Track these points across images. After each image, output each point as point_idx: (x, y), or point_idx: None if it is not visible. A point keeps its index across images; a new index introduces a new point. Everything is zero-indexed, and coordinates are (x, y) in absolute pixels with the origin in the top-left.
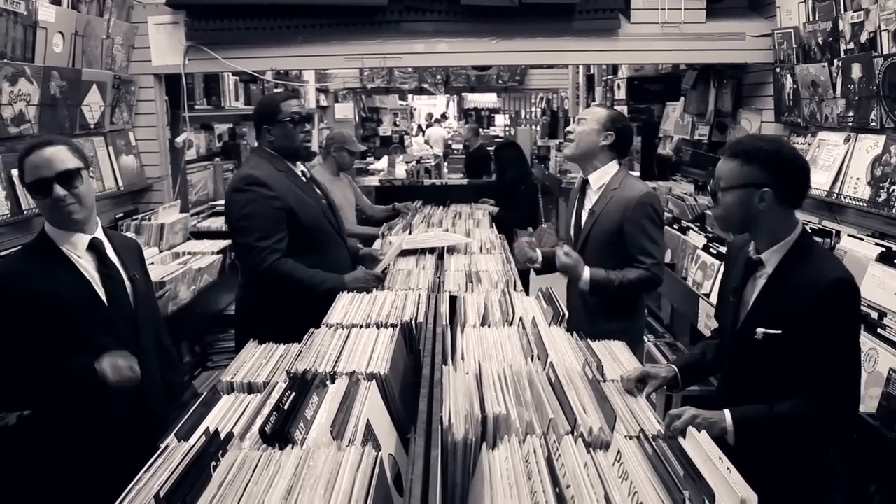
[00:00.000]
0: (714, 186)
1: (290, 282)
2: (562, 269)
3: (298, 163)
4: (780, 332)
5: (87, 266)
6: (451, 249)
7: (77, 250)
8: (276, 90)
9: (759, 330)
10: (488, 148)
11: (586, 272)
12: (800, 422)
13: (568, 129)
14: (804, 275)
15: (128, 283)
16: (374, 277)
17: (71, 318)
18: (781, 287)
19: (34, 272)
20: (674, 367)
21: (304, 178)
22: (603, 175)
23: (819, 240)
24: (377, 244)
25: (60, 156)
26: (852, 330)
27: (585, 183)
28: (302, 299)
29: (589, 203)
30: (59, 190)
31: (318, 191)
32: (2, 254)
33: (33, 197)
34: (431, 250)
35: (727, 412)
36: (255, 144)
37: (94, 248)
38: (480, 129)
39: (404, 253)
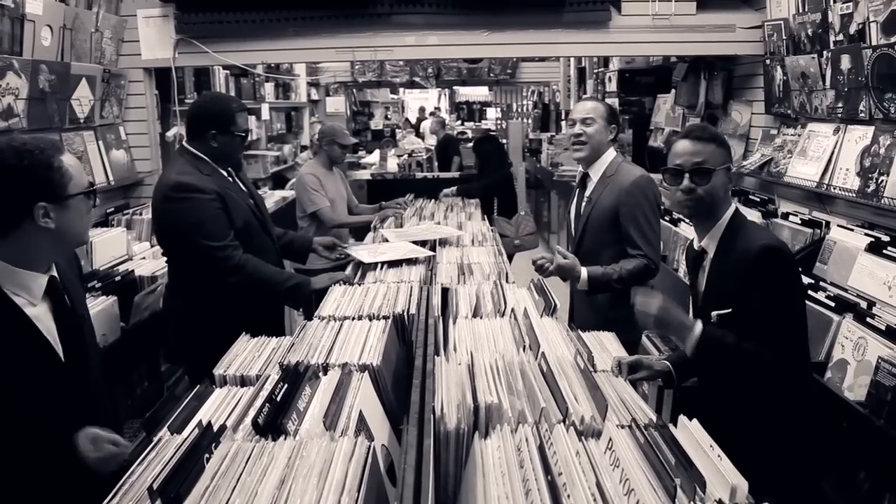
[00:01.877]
0: (690, 169)
1: (258, 279)
2: (559, 271)
3: None
4: (729, 310)
5: (43, 317)
6: (444, 242)
7: (32, 296)
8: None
9: (713, 313)
10: (455, 136)
11: (583, 272)
12: (758, 363)
13: (576, 131)
14: (737, 251)
15: (82, 324)
16: (341, 278)
17: (22, 387)
18: (722, 268)
19: None
20: (668, 363)
21: (230, 178)
22: (602, 164)
23: (808, 231)
24: (368, 237)
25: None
26: (788, 290)
27: (586, 176)
28: (227, 305)
29: (587, 192)
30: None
31: (243, 188)
32: None
33: (85, 204)
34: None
35: (699, 322)
36: (182, 144)
37: (53, 290)
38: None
39: (391, 264)
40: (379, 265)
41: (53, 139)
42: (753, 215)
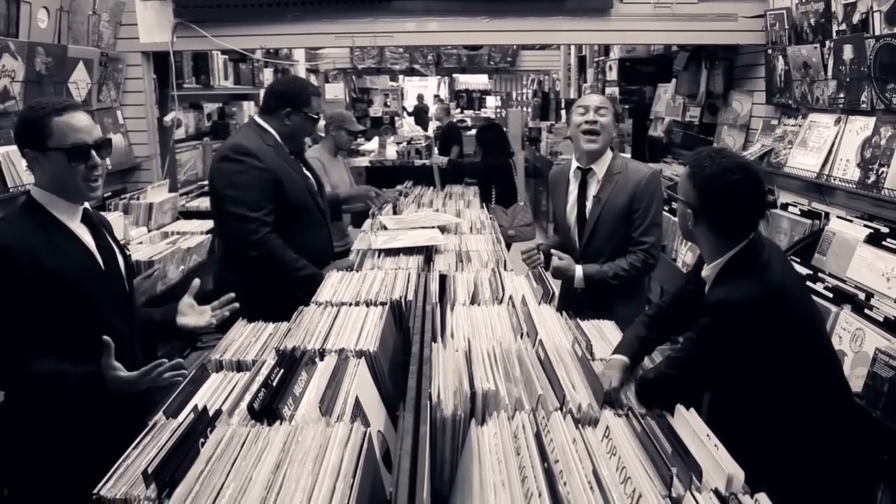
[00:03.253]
0: None
1: (275, 259)
2: (555, 273)
3: None
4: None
5: (83, 234)
6: (442, 229)
7: (73, 222)
8: (292, 73)
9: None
10: (457, 125)
11: (579, 270)
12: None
13: (590, 118)
14: (714, 292)
15: (119, 255)
16: (346, 265)
17: (78, 292)
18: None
19: (37, 243)
20: (624, 358)
21: (292, 156)
22: (604, 161)
23: (807, 221)
24: (367, 224)
25: (92, 122)
26: (709, 343)
27: (587, 172)
28: (280, 281)
29: (592, 191)
30: (96, 158)
31: (305, 170)
32: None
33: (69, 162)
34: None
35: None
36: (252, 117)
37: (88, 219)
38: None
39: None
40: (377, 252)
41: (71, 101)
42: None
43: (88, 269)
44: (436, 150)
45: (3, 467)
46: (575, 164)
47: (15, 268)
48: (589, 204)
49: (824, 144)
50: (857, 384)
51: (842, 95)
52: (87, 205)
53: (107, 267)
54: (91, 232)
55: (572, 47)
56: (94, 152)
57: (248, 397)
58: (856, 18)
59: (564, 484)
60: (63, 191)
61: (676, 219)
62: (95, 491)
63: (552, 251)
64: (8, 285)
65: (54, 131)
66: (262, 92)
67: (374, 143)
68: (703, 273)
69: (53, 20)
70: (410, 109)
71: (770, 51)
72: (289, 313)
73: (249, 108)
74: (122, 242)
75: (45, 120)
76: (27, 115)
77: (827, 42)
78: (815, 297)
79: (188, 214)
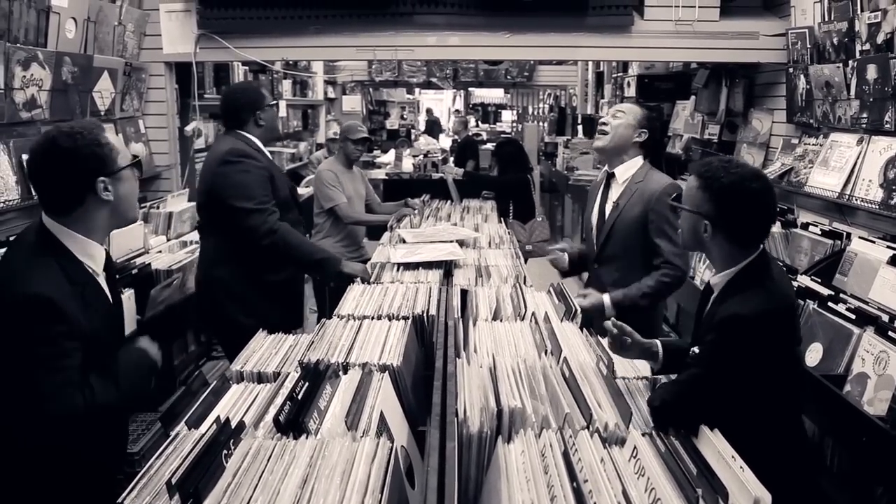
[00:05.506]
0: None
1: (289, 243)
2: (585, 311)
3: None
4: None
5: (104, 284)
6: (461, 243)
7: (96, 265)
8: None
9: (692, 349)
10: (474, 139)
11: (606, 299)
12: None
13: (602, 120)
14: (725, 305)
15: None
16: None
17: (100, 345)
18: (714, 313)
19: (72, 297)
20: (658, 342)
21: (269, 157)
22: (629, 168)
23: (829, 241)
24: (385, 237)
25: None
26: (724, 359)
27: (611, 176)
28: (268, 280)
29: (613, 196)
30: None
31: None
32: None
33: (134, 176)
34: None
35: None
36: (224, 132)
37: (108, 264)
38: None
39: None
40: (395, 265)
41: (93, 120)
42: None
43: (110, 322)
44: (451, 161)
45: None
46: (604, 168)
47: (63, 322)
48: (609, 208)
49: (846, 164)
50: (881, 407)
51: (864, 115)
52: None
53: (117, 311)
54: (105, 279)
55: (590, 63)
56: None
57: (272, 410)
58: (880, 38)
59: None
60: (122, 216)
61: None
62: (119, 501)
63: (576, 298)
64: (57, 335)
65: (115, 148)
66: (280, 103)
67: (390, 156)
68: (713, 280)
69: (81, 30)
70: (423, 127)
71: (791, 69)
72: (277, 314)
73: None
74: (140, 251)
75: (102, 138)
76: (80, 143)
77: (850, 61)
78: (836, 318)
79: None
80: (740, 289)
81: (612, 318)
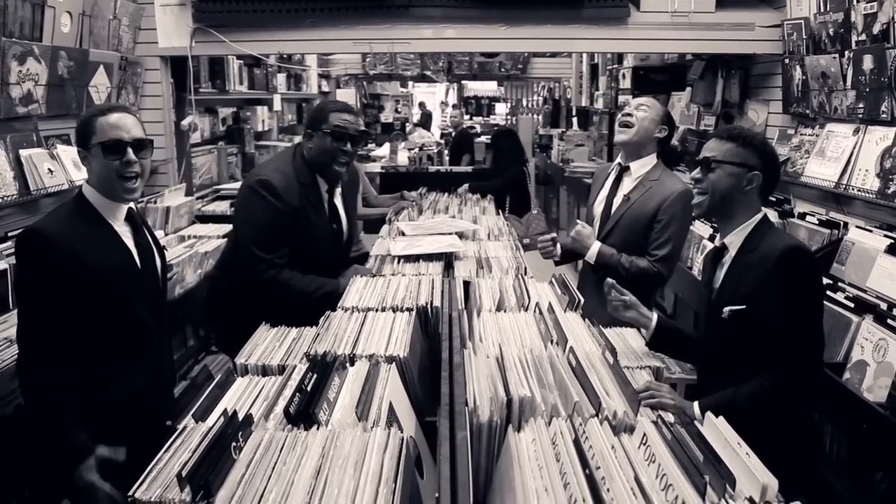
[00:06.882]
0: (699, 160)
1: (287, 294)
2: (573, 243)
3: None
4: (743, 307)
5: (127, 237)
6: (460, 235)
7: (117, 221)
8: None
9: (726, 309)
10: (469, 132)
11: (595, 245)
12: (764, 396)
13: (626, 112)
14: (760, 249)
15: (157, 256)
16: (365, 272)
17: (113, 287)
18: (742, 265)
19: (79, 236)
20: (655, 315)
21: (323, 199)
22: (644, 164)
23: (825, 231)
24: (384, 230)
25: (136, 123)
26: (807, 294)
27: (625, 170)
28: (271, 302)
29: (625, 189)
30: (132, 154)
31: (342, 213)
32: (10, 234)
33: (104, 157)
34: (436, 256)
35: (695, 403)
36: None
37: (131, 219)
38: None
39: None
40: (396, 258)
41: (116, 104)
42: (770, 215)
43: (125, 266)
44: (446, 159)
45: (24, 469)
46: (618, 160)
47: (53, 257)
48: (618, 201)
49: (843, 154)
50: (880, 394)
51: (861, 105)
52: (132, 204)
53: (143, 265)
54: (132, 231)
55: (584, 55)
56: (130, 150)
57: (281, 402)
58: (876, 29)
59: (608, 490)
60: (105, 189)
61: (705, 186)
62: (130, 493)
63: (577, 220)
64: (45, 274)
65: (97, 129)
66: (275, 97)
67: (385, 149)
68: (727, 240)
69: (76, 25)
70: (417, 119)
71: (787, 60)
72: (277, 316)
73: (263, 113)
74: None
75: (92, 119)
76: (81, 117)
77: (846, 52)
78: (835, 307)
79: (204, 218)
80: (766, 234)
81: (612, 281)
